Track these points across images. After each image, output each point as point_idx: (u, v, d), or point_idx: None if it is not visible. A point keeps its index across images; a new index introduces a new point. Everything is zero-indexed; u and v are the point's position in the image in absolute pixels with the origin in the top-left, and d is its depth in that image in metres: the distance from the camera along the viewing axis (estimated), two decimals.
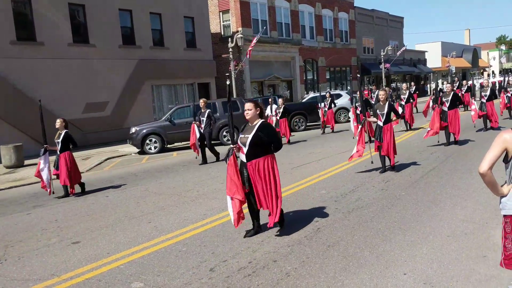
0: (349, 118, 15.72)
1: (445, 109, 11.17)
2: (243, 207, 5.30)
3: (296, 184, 8.39)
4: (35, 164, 9.59)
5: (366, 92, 21.96)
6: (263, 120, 5.35)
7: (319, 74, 34.16)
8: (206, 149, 12.05)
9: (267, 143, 5.25)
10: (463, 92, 21.23)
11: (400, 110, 15.26)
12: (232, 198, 5.20)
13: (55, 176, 9.24)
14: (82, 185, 9.31)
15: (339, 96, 22.76)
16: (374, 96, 19.05)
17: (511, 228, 3.08)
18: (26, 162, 14.44)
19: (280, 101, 15.36)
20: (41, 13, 17.49)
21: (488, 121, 13.86)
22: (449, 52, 52.37)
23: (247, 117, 5.33)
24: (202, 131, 11.69)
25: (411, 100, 16.91)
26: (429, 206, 6.21)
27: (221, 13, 27.88)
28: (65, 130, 8.92)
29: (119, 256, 5.17)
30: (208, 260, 4.81)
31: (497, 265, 3.59)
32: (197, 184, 9.25)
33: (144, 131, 15.66)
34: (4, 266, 5.18)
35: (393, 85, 33.80)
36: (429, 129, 11.15)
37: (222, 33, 27.92)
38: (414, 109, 18.55)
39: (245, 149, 5.26)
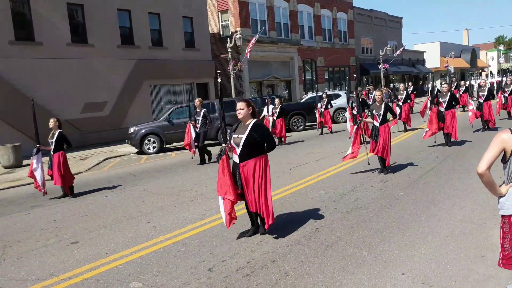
0: (346, 118, 15.74)
1: (442, 109, 11.16)
2: (240, 208, 5.26)
3: (295, 184, 8.39)
4: None
5: (365, 93, 22.00)
6: (256, 119, 5.29)
7: (318, 74, 34.17)
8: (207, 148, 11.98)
9: (260, 143, 5.20)
10: (461, 93, 21.21)
11: (398, 110, 15.26)
12: (223, 198, 5.16)
13: (49, 177, 9.17)
14: (71, 187, 9.14)
15: (338, 96, 22.78)
16: (372, 97, 19.05)
17: (509, 228, 3.08)
18: (25, 162, 14.40)
19: (276, 101, 15.28)
20: (40, 13, 17.48)
21: (485, 121, 13.87)
22: (447, 52, 52.48)
23: (240, 117, 5.26)
24: (198, 130, 11.65)
25: (409, 101, 16.91)
26: (428, 206, 6.22)
27: (220, 13, 27.87)
28: (59, 130, 8.83)
29: (117, 256, 5.17)
30: (206, 260, 4.81)
31: (495, 265, 3.59)
32: (195, 184, 9.25)
33: (143, 131, 15.64)
34: (3, 266, 5.17)
35: (392, 85, 33.81)
36: (427, 129, 11.16)
37: (221, 33, 27.92)
38: (411, 110, 18.53)
39: (238, 150, 5.19)
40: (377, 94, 8.94)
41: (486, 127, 13.85)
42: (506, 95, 16.51)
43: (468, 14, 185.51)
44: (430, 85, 12.05)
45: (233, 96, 22.12)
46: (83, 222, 6.87)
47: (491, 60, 76.07)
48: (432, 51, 53.64)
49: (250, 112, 5.25)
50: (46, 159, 9.23)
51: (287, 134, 16.82)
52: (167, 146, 16.56)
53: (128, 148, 16.60)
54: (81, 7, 19.05)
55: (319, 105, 17.74)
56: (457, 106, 11.90)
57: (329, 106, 17.64)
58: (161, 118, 16.65)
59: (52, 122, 8.84)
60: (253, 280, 4.20)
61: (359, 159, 9.63)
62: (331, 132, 17.69)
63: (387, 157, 8.59)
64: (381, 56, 35.41)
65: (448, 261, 4.32)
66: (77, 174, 12.20)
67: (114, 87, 20.25)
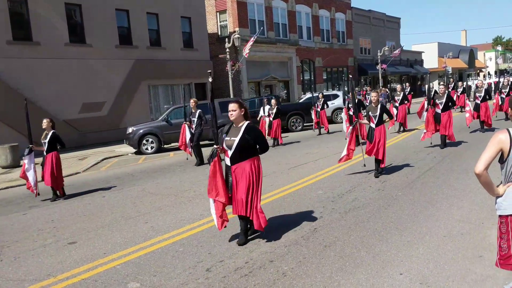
0: (342, 119, 15.74)
1: (438, 111, 11.10)
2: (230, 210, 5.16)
3: (293, 184, 8.39)
4: None
5: (363, 93, 22.03)
6: (248, 122, 5.16)
7: (316, 75, 34.19)
8: (201, 149, 11.97)
9: (253, 145, 5.10)
10: (458, 94, 21.22)
11: (394, 111, 15.25)
12: (214, 201, 5.08)
13: (41, 178, 9.03)
14: (62, 188, 9.04)
15: (336, 96, 22.80)
16: (368, 98, 19.09)
17: (507, 228, 3.09)
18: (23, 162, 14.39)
19: (273, 102, 15.17)
20: (38, 13, 17.43)
21: (482, 122, 13.90)
22: (445, 53, 52.56)
23: (232, 118, 5.11)
24: (193, 131, 11.62)
25: (406, 102, 16.92)
26: (426, 207, 6.24)
27: (218, 13, 27.87)
28: (52, 131, 8.74)
29: (115, 256, 5.16)
30: (204, 260, 4.81)
31: (493, 265, 3.61)
32: (194, 184, 9.24)
33: (141, 131, 15.63)
34: (0, 267, 5.16)
35: (389, 85, 33.88)
36: (425, 131, 11.14)
37: (219, 33, 27.91)
38: (408, 111, 18.53)
39: (230, 152, 5.06)
40: (373, 95, 8.89)
41: (483, 128, 13.86)
42: (503, 96, 16.56)
43: (466, 15, 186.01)
44: (427, 86, 12.01)
45: (231, 96, 22.13)
46: (81, 222, 6.86)
47: (489, 60, 76.21)
48: (430, 51, 53.73)
49: (242, 113, 5.12)
50: (39, 159, 9.16)
51: (284, 135, 16.83)
52: (165, 146, 16.53)
53: (126, 148, 16.58)
54: (79, 7, 19.01)
55: (315, 105, 17.76)
56: (454, 107, 11.88)
57: (325, 106, 17.65)
58: (159, 118, 16.63)
59: (45, 123, 8.72)
60: (251, 280, 4.20)
61: (357, 159, 9.63)
62: (328, 132, 17.70)
63: (382, 159, 8.57)
64: (379, 57, 35.46)
65: (446, 261, 4.32)
66: (75, 174, 12.22)
67: (113, 87, 20.21)
